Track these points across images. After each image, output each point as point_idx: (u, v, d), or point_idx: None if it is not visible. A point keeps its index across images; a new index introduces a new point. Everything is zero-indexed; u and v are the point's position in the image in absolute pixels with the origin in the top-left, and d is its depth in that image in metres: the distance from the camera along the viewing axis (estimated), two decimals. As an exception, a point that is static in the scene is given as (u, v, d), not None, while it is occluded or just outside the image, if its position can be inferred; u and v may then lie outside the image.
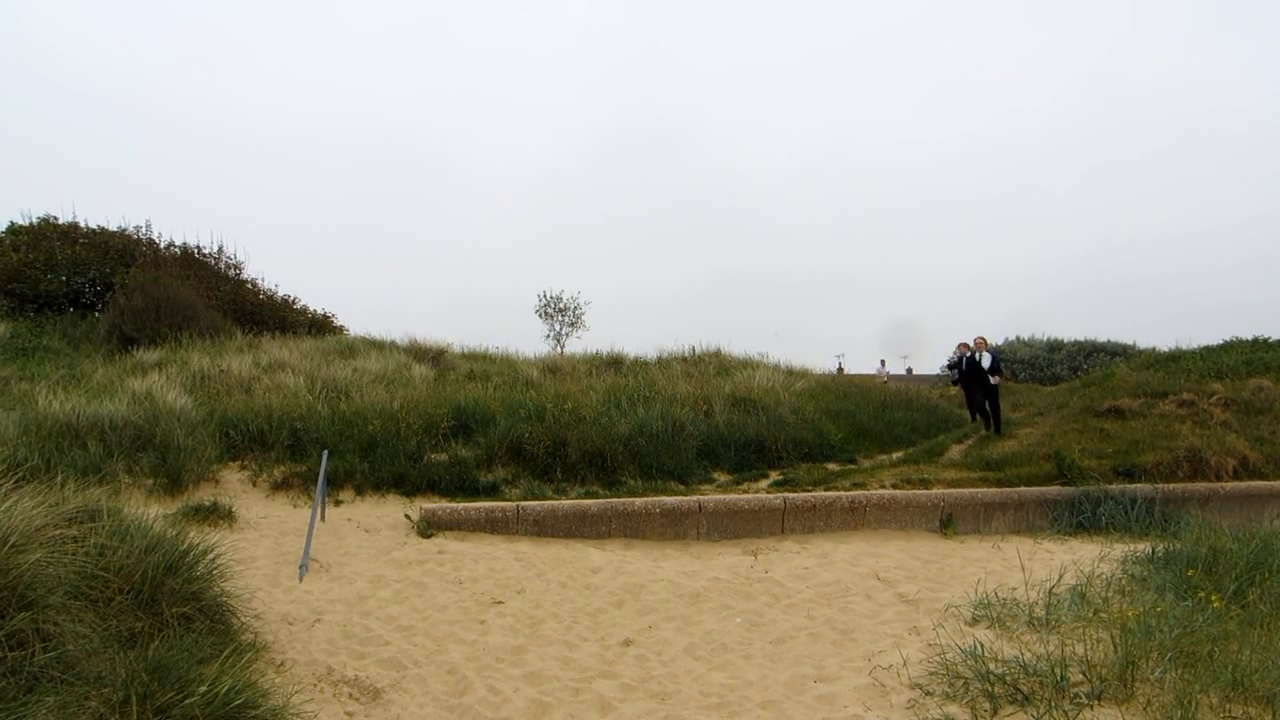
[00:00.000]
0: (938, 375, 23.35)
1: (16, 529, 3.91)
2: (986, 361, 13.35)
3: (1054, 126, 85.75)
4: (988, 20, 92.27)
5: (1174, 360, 17.13)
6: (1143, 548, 7.36)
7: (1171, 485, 11.05)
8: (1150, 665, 4.27)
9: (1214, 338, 21.21)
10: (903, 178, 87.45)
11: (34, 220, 20.87)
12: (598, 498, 9.70)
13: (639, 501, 9.40)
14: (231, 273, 22.43)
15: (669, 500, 9.50)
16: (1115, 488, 10.72)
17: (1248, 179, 79.25)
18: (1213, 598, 5.05)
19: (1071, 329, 36.85)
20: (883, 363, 28.55)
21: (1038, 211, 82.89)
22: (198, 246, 22.27)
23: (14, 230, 20.60)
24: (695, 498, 9.71)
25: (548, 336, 31.91)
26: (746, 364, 18.54)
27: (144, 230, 21.88)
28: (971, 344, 13.66)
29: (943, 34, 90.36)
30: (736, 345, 20.20)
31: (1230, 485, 11.35)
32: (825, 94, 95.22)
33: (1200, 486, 11.20)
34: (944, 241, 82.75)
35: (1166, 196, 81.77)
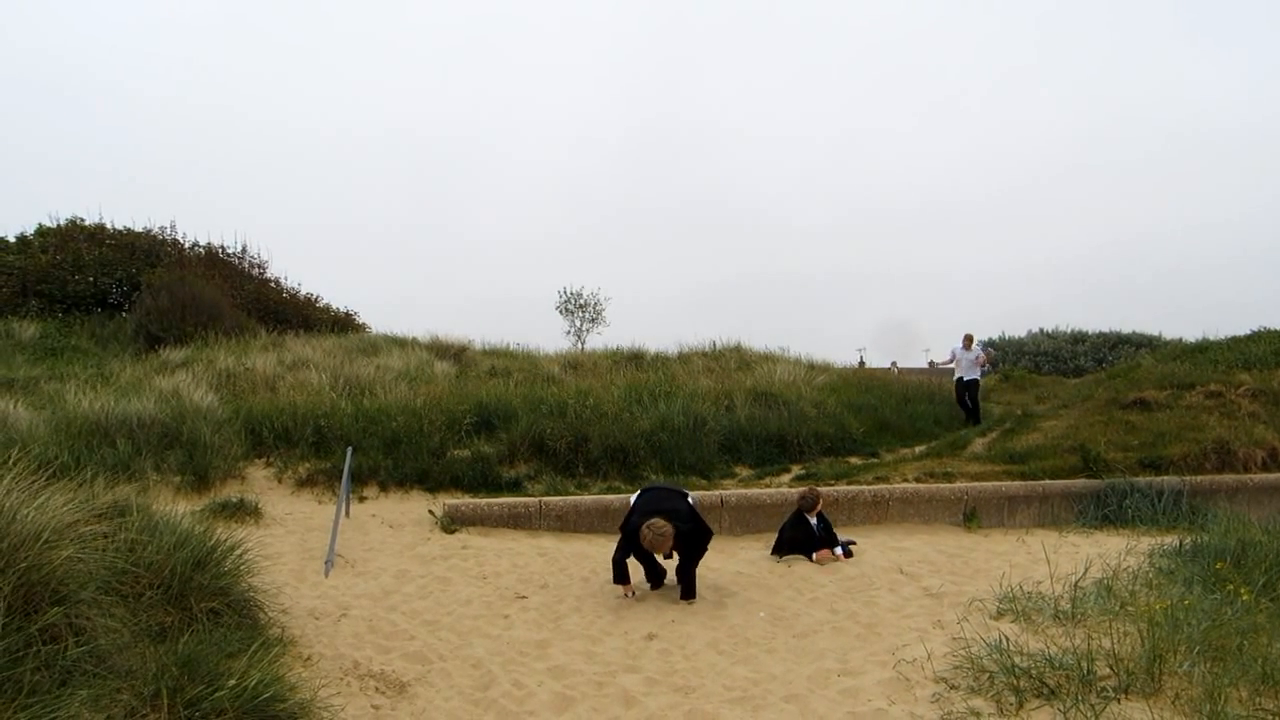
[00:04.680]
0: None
1: (48, 525, 3.97)
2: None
3: (1074, 122, 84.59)
4: (1009, 24, 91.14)
5: (1201, 351, 16.87)
6: (1170, 540, 7.27)
7: (1199, 477, 10.89)
8: (1178, 658, 4.23)
9: (1241, 328, 20.87)
10: (923, 177, 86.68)
11: (61, 222, 21.26)
12: (619, 493, 9.71)
13: (660, 496, 9.38)
14: (255, 272, 22.74)
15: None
16: (1141, 480, 10.57)
17: (1270, 169, 77.83)
18: (1241, 590, 4.99)
19: (1096, 321, 36.51)
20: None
21: (1059, 208, 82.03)
22: (221, 246, 22.63)
23: (42, 232, 20.96)
24: (717, 492, 9.71)
25: (568, 333, 31.95)
26: (767, 358, 18.49)
27: (169, 231, 22.27)
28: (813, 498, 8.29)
29: (956, 39, 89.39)
30: (757, 340, 20.15)
31: (1259, 477, 11.18)
32: (840, 96, 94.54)
33: (1228, 478, 11.04)
34: (963, 238, 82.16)
35: (1191, 186, 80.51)
